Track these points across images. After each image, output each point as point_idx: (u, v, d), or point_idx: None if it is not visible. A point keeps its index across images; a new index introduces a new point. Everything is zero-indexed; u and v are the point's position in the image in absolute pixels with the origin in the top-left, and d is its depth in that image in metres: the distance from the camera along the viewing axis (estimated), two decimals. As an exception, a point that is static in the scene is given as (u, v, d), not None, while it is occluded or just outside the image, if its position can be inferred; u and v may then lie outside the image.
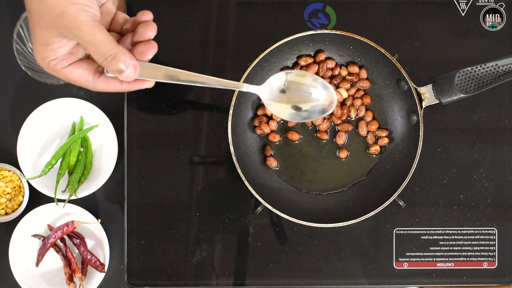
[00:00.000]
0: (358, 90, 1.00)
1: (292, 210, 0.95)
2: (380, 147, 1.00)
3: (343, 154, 1.00)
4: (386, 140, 0.99)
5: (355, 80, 0.99)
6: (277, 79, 0.84)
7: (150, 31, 0.74)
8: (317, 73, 0.99)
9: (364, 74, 0.99)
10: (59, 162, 1.05)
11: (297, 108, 0.85)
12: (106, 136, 1.04)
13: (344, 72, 0.99)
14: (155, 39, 0.75)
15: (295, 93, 0.85)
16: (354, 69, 0.99)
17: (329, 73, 1.00)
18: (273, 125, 0.99)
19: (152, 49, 0.74)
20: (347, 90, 1.00)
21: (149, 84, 0.77)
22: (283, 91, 0.85)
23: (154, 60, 0.75)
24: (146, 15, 0.75)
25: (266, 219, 1.02)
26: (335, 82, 1.00)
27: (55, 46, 0.72)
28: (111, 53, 0.71)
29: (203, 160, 1.02)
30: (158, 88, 1.02)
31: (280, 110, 0.85)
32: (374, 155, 1.00)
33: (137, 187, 1.01)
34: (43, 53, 0.72)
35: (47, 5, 0.69)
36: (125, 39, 0.75)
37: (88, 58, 0.75)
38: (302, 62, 0.99)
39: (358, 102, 0.99)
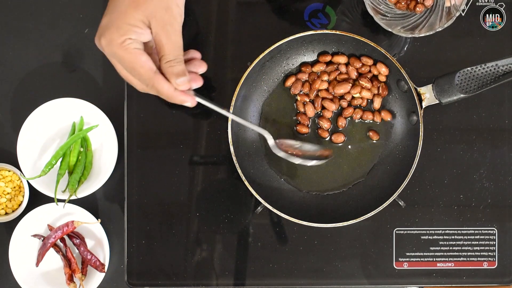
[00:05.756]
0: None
1: (292, 210, 0.95)
2: (378, 132, 0.99)
3: (340, 139, 0.99)
4: (387, 115, 0.99)
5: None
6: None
7: (201, 67, 0.87)
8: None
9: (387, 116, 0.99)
10: (59, 162, 1.05)
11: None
12: (106, 136, 1.04)
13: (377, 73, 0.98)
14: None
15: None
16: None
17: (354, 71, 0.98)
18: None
19: (198, 82, 0.84)
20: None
21: (191, 103, 0.84)
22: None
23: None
24: (197, 54, 0.88)
25: (266, 219, 1.01)
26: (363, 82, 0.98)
27: (139, 30, 0.79)
28: (181, 58, 0.81)
29: (203, 160, 1.02)
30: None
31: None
32: (375, 141, 0.99)
33: (137, 187, 1.01)
34: (125, 30, 0.79)
35: None
36: None
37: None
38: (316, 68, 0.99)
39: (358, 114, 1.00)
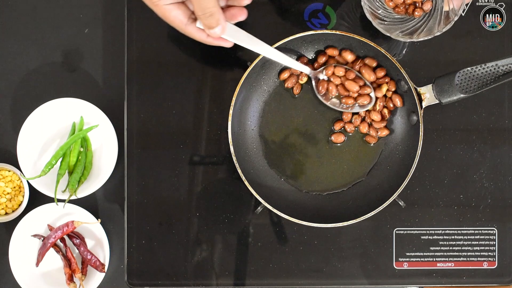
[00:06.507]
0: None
1: (292, 210, 0.95)
2: (379, 137, 0.99)
3: (340, 139, 0.99)
4: (385, 132, 0.99)
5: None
6: None
7: (245, 0, 0.85)
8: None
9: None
10: (59, 162, 1.05)
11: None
12: (106, 136, 1.04)
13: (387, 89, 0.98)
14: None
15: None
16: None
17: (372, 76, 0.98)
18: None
19: (242, 15, 0.85)
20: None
21: (228, 44, 0.87)
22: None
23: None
24: None
25: (266, 219, 1.01)
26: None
27: None
28: (211, 11, 0.80)
29: (203, 160, 1.02)
30: (159, 87, 1.02)
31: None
32: (372, 144, 0.99)
33: (137, 187, 1.01)
34: None
35: None
36: None
37: (183, 3, 0.84)
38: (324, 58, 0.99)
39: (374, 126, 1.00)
